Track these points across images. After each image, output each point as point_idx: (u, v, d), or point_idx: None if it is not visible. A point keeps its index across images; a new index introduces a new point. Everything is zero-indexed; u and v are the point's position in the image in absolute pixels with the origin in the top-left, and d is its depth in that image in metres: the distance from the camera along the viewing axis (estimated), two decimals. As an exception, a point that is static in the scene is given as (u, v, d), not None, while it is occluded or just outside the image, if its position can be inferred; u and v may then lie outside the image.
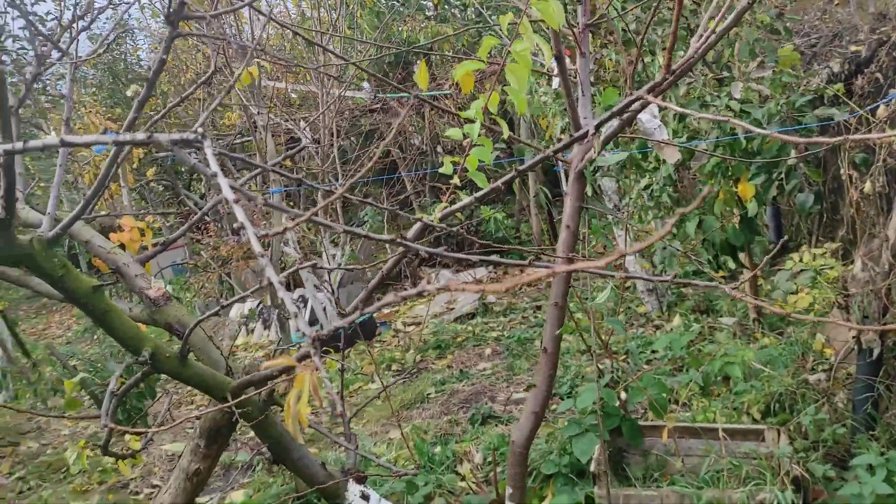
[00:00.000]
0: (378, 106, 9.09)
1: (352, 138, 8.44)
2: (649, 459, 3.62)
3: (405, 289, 7.56)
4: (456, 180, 1.62)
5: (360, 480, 2.08)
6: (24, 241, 1.23)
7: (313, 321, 7.76)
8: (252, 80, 2.69)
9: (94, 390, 5.43)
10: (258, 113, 5.11)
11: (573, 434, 3.60)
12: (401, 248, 1.57)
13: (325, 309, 7.23)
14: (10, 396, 7.03)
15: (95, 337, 5.94)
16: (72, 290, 1.29)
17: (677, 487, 3.32)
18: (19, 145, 1.01)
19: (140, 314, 1.83)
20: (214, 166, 0.90)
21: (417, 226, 1.50)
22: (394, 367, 6.42)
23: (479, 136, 1.61)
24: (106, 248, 1.95)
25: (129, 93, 8.97)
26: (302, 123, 6.80)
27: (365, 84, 9.59)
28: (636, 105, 1.65)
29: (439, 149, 10.15)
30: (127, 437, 1.75)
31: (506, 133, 1.74)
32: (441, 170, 1.68)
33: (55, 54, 1.97)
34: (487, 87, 1.82)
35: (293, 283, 8.98)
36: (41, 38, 1.83)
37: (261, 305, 7.85)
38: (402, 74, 9.13)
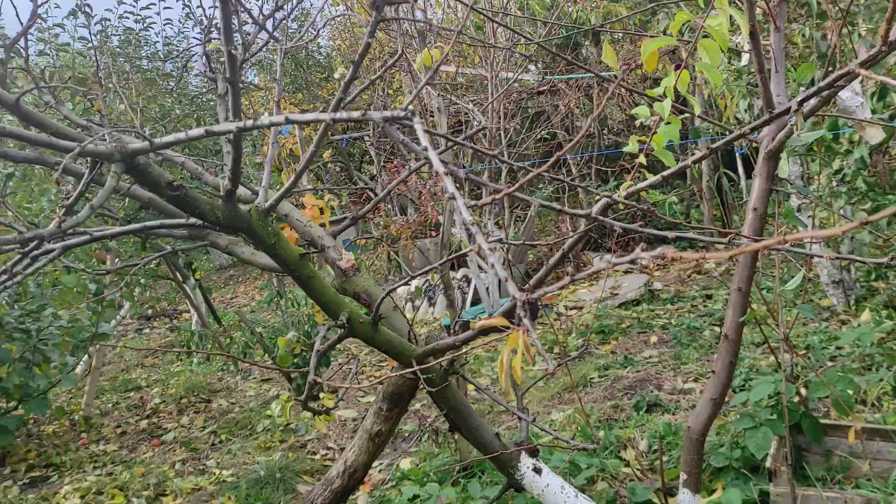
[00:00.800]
0: (545, 88, 9.05)
1: (518, 121, 8.46)
2: (832, 460, 3.40)
3: (570, 273, 7.47)
4: (641, 159, 1.59)
5: (533, 453, 2.13)
6: (244, 210, 1.35)
7: (476, 301, 7.91)
8: (431, 62, 2.78)
9: (274, 353, 5.86)
10: (437, 95, 5.25)
11: (747, 427, 3.45)
12: (581, 227, 1.58)
13: (487, 289, 7.35)
14: (203, 358, 7.74)
15: (276, 308, 6.38)
16: (282, 256, 1.41)
17: (864, 491, 3.09)
18: (249, 123, 1.11)
19: (331, 283, 1.96)
20: (424, 141, 0.95)
21: (602, 202, 1.50)
22: (556, 349, 6.41)
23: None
24: (303, 222, 2.10)
25: (336, 75, 9.59)
26: (470, 105, 6.91)
27: (532, 66, 9.57)
28: (842, 81, 1.55)
29: (606, 131, 9.94)
30: (321, 395, 1.88)
31: (697, 110, 1.68)
32: (626, 149, 1.66)
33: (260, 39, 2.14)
34: (667, 67, 1.77)
35: (456, 264, 9.19)
36: (251, 22, 2.00)
37: (427, 283, 8.09)
38: (571, 55, 9.02)
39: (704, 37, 1.66)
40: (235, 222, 1.34)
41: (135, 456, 5.38)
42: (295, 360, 5.77)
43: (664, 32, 4.80)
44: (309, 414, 1.92)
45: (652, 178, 1.57)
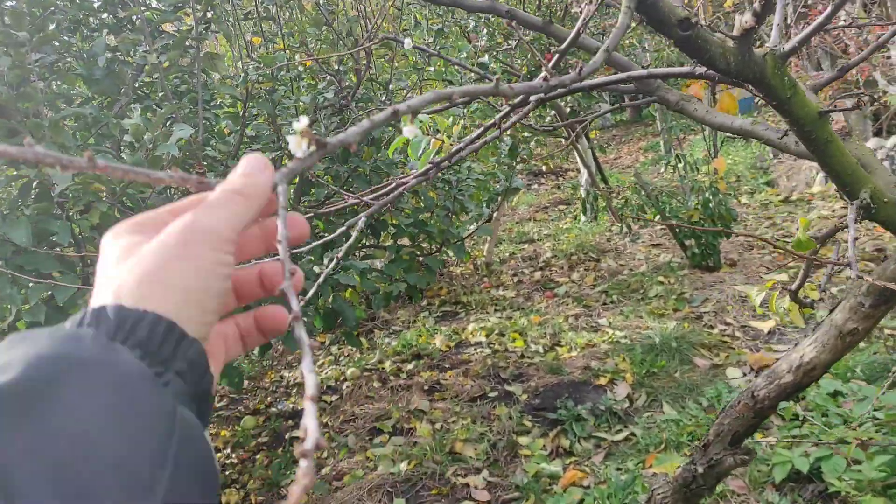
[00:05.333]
0: None
1: None
2: None
3: None
4: None
5: None
6: (759, 55, 1.08)
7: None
8: None
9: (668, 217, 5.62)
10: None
11: None
12: None
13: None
14: (590, 218, 7.83)
15: (674, 170, 6.05)
16: (796, 114, 1.13)
17: None
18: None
19: (807, 151, 1.62)
20: None
21: None
22: None
23: None
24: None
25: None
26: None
27: None
28: None
29: None
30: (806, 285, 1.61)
31: None
32: None
33: None
34: None
35: (885, 130, 7.79)
36: None
37: None
38: None
39: None
40: (747, 70, 1.08)
41: (530, 304, 5.70)
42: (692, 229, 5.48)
43: None
44: (789, 305, 1.67)
45: None
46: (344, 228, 1.10)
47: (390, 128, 3.91)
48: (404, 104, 0.55)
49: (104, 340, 0.41)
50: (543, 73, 0.73)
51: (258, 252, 0.54)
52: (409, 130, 0.56)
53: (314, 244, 1.19)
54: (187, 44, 3.06)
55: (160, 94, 3.29)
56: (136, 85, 3.16)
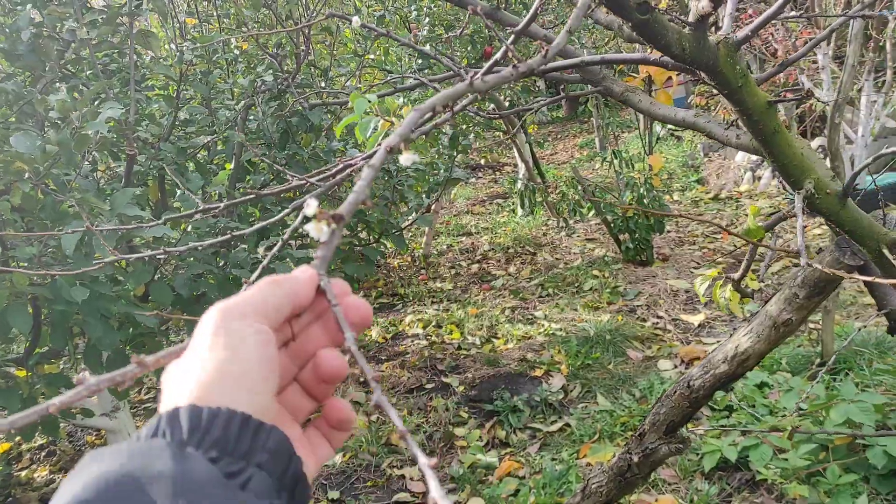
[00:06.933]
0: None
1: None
2: None
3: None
4: None
5: None
6: (712, 42, 1.08)
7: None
8: None
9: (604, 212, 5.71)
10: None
11: None
12: None
13: (852, 161, 6.36)
14: (528, 212, 7.88)
15: (609, 165, 6.14)
16: (747, 103, 1.14)
17: None
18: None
19: (750, 143, 1.65)
20: None
21: None
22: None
23: None
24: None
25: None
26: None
27: None
28: None
29: None
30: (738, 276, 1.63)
31: None
32: None
33: None
34: None
35: (808, 132, 8.11)
36: None
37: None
38: None
39: None
40: (701, 57, 1.08)
41: (467, 297, 5.71)
42: (626, 224, 5.57)
43: None
44: (730, 294, 1.69)
45: None
46: (289, 210, 1.06)
47: (329, 115, 3.84)
48: (393, 136, 0.54)
49: (175, 449, 0.41)
50: (513, 61, 0.71)
51: (324, 346, 0.55)
52: (405, 158, 0.54)
53: (249, 230, 1.14)
54: (119, 20, 2.92)
55: (88, 73, 3.14)
56: (63, 62, 3.01)
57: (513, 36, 1.00)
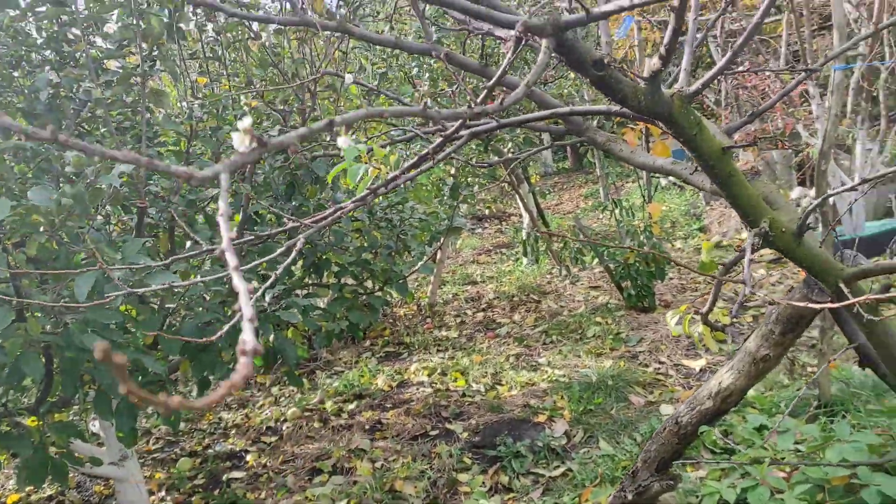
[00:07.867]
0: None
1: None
2: None
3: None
4: None
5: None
6: (667, 95, 1.19)
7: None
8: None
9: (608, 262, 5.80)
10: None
11: None
12: None
13: (850, 209, 6.45)
14: (532, 260, 7.98)
15: (611, 215, 6.25)
16: (703, 149, 1.24)
17: None
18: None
19: (711, 187, 1.75)
20: None
21: None
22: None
23: None
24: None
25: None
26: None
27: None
28: None
29: None
30: (716, 310, 1.72)
31: None
32: None
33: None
34: None
35: (807, 181, 8.23)
36: None
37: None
38: None
39: None
40: (656, 107, 1.19)
41: (472, 345, 5.76)
42: (628, 271, 5.65)
43: None
44: (703, 330, 1.77)
45: None
46: (283, 249, 1.16)
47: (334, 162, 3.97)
48: (339, 117, 0.62)
49: None
50: (468, 103, 0.82)
51: None
52: (343, 141, 0.63)
53: (247, 266, 1.24)
54: (132, 80, 3.09)
55: (103, 130, 3.29)
56: (78, 120, 3.17)
57: (485, 91, 1.12)
